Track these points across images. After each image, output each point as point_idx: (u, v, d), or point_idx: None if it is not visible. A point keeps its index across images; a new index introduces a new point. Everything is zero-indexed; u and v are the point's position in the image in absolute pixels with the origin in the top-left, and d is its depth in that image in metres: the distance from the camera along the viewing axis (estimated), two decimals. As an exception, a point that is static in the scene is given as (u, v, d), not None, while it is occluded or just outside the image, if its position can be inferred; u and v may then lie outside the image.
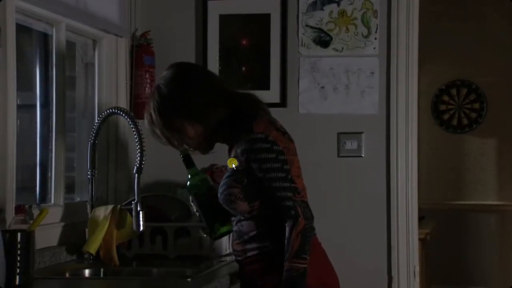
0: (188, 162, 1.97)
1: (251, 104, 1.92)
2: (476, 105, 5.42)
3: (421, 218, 4.08)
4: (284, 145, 1.85)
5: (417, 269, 2.79)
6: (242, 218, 1.91)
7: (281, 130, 1.89)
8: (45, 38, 2.45)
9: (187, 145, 1.94)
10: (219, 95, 1.91)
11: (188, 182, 1.97)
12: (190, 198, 2.00)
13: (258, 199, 1.85)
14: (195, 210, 2.01)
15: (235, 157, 1.90)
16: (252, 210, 1.87)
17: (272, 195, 1.84)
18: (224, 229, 1.92)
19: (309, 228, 1.82)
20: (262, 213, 1.86)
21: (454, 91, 5.48)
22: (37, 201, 2.40)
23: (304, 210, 1.82)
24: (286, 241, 1.82)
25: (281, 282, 1.79)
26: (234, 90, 1.98)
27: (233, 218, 1.95)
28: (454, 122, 5.46)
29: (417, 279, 2.79)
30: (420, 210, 3.00)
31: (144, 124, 1.99)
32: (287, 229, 1.81)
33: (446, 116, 5.48)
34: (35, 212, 2.09)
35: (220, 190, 1.91)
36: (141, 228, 2.12)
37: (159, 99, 1.91)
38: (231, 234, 1.98)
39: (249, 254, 1.91)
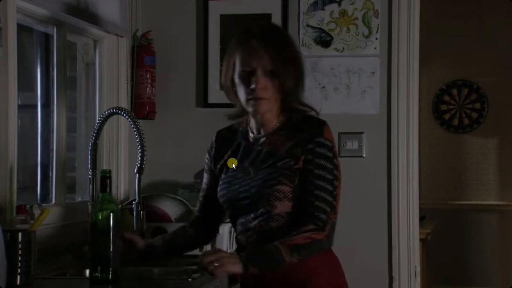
0: (104, 184, 1.87)
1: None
2: (477, 105, 5.42)
3: (422, 218, 4.08)
4: (339, 163, 1.82)
5: (418, 269, 2.79)
6: (269, 219, 1.78)
7: None
8: (46, 38, 2.45)
9: (267, 93, 1.76)
10: None
11: (97, 207, 1.87)
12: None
13: (298, 201, 1.78)
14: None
15: (292, 148, 1.77)
16: (290, 212, 1.77)
17: (309, 201, 1.76)
18: (104, 275, 1.84)
19: (319, 245, 1.74)
20: (296, 215, 1.79)
21: (455, 91, 5.48)
22: (38, 201, 2.40)
23: (330, 231, 1.77)
24: (294, 231, 1.73)
25: (262, 249, 1.71)
26: None
27: (252, 219, 1.80)
28: (455, 122, 5.46)
29: (418, 279, 2.79)
30: (421, 210, 3.00)
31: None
32: (304, 227, 1.73)
33: (447, 116, 5.48)
34: (36, 212, 2.09)
35: (262, 181, 1.77)
36: (142, 228, 2.12)
37: (293, 42, 1.84)
38: (247, 235, 1.81)
39: None
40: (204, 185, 1.96)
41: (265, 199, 1.76)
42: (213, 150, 1.94)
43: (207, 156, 1.95)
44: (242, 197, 1.81)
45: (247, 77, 1.77)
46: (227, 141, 1.91)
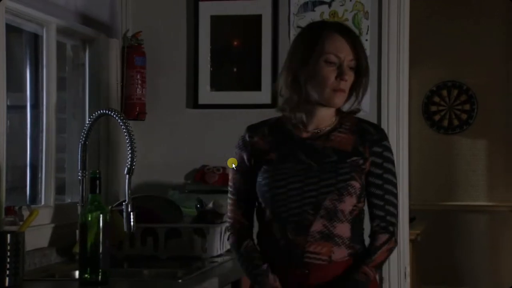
0: (94, 186, 1.88)
1: None
2: (467, 106, 5.45)
3: (412, 219, 4.09)
4: None
5: (408, 269, 2.80)
6: (333, 216, 1.75)
7: None
8: (35, 38, 2.44)
9: (347, 88, 1.76)
10: None
11: (87, 208, 1.87)
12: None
13: (362, 202, 1.80)
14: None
15: (358, 147, 1.78)
16: (352, 211, 1.76)
17: (379, 205, 1.80)
18: (93, 277, 1.84)
19: (392, 251, 1.82)
20: (358, 217, 1.80)
21: (445, 92, 5.50)
22: (28, 202, 2.39)
23: (397, 232, 1.84)
24: (371, 248, 1.78)
25: (351, 278, 1.74)
26: None
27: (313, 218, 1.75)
28: (445, 123, 5.48)
29: (408, 279, 2.80)
30: (411, 211, 3.01)
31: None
32: (380, 240, 1.79)
33: (437, 117, 5.50)
34: (25, 213, 2.08)
35: (335, 174, 1.75)
36: (132, 229, 2.11)
37: None
38: (308, 236, 1.74)
39: (336, 257, 1.76)
40: (241, 187, 1.81)
41: (337, 192, 1.74)
42: (250, 146, 1.81)
43: (241, 154, 1.82)
44: (308, 189, 1.74)
45: (331, 68, 1.74)
46: (266, 136, 1.81)
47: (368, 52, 2.78)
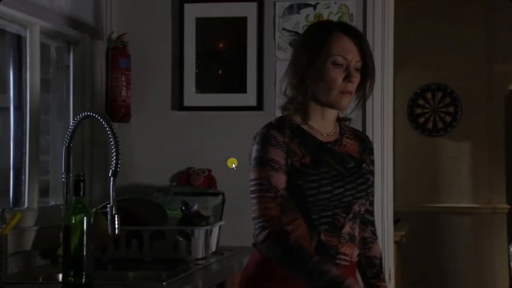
0: (78, 188, 1.87)
1: None
2: (451, 109, 5.49)
3: (396, 221, 4.12)
4: None
5: (393, 271, 2.81)
6: (355, 219, 1.78)
7: None
8: (18, 40, 2.42)
9: (354, 90, 1.76)
10: None
11: (71, 211, 1.87)
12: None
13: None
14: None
15: (362, 153, 1.81)
16: (359, 212, 1.79)
17: (370, 211, 1.87)
18: (77, 279, 1.83)
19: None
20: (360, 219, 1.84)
21: (429, 95, 5.54)
22: (11, 204, 2.37)
23: None
24: (376, 262, 1.86)
25: None
26: None
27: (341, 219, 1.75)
28: (429, 125, 5.52)
29: (393, 281, 2.81)
30: (395, 213, 3.02)
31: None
32: (378, 251, 1.87)
33: (421, 120, 5.54)
34: (8, 216, 2.06)
35: (364, 180, 1.78)
36: (117, 231, 2.10)
37: None
38: (340, 236, 1.74)
39: (354, 258, 1.79)
40: (280, 185, 1.70)
41: (366, 197, 1.79)
42: (285, 146, 1.73)
43: (278, 152, 1.71)
44: (348, 194, 1.74)
45: (338, 69, 1.73)
46: (291, 137, 1.75)
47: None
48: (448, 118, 5.49)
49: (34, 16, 2.34)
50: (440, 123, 5.50)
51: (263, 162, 1.71)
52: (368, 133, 2.78)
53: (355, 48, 1.74)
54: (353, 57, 1.74)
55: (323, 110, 1.77)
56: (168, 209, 2.57)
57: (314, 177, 1.72)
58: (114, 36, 2.82)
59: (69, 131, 2.25)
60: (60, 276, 2.07)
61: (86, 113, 2.21)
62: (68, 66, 2.70)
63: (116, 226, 2.09)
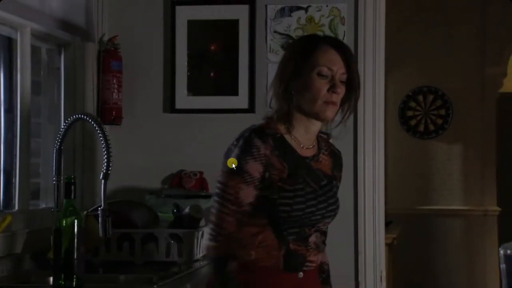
0: (69, 191, 1.87)
1: None
2: (442, 111, 5.51)
3: (388, 223, 4.12)
4: None
5: (384, 273, 2.82)
6: (320, 229, 1.83)
7: None
8: (9, 42, 2.41)
9: (338, 98, 1.76)
10: None
11: (62, 213, 1.87)
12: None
13: None
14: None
15: (333, 169, 1.85)
16: (322, 228, 1.85)
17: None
18: (68, 283, 1.83)
19: None
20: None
21: (420, 98, 5.56)
22: (1, 207, 2.36)
23: None
24: (324, 265, 1.92)
25: None
26: None
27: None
28: (421, 128, 5.53)
29: (384, 283, 2.82)
30: (387, 215, 3.03)
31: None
32: (325, 253, 1.91)
33: (413, 122, 5.55)
34: (-1, 219, 2.05)
35: (335, 200, 1.83)
36: (108, 234, 2.10)
37: None
38: (308, 246, 1.79)
39: (318, 263, 1.86)
40: (245, 200, 1.71)
41: (333, 217, 1.84)
42: (264, 159, 1.72)
43: (255, 166, 1.71)
44: (318, 213, 1.78)
45: (323, 80, 1.75)
46: (273, 148, 1.74)
47: (344, 58, 2.81)
48: (440, 121, 5.50)
49: (25, 18, 2.34)
50: (431, 125, 5.52)
51: (237, 172, 1.71)
52: (360, 135, 2.79)
53: (341, 60, 1.77)
54: (339, 69, 1.77)
55: (308, 122, 1.79)
56: (160, 212, 2.57)
57: (289, 194, 1.74)
58: (106, 38, 2.82)
59: (60, 134, 2.24)
60: (51, 279, 2.06)
61: (77, 115, 2.20)
62: (59, 69, 2.69)
63: (108, 229, 2.09)
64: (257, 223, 1.74)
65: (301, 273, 1.78)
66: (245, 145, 1.72)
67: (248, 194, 1.71)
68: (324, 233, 1.88)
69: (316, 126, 1.80)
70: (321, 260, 1.89)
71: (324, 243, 1.89)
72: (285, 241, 1.75)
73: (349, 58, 1.79)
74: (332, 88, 1.75)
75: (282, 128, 1.78)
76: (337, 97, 1.76)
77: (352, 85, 1.79)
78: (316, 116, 1.77)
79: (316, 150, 1.82)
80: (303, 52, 1.77)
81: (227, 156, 1.75)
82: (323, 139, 1.86)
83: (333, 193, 1.83)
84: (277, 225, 1.75)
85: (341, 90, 1.77)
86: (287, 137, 1.77)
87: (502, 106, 5.75)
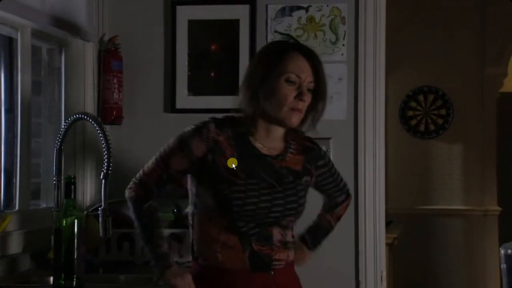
0: (69, 191, 1.88)
1: None
2: (443, 111, 5.51)
3: (388, 223, 4.12)
4: None
5: (384, 273, 2.81)
6: (286, 228, 1.85)
7: None
8: (10, 42, 2.41)
9: (304, 108, 1.80)
10: None
11: (62, 213, 1.87)
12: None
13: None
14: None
15: (305, 164, 1.86)
16: (287, 225, 1.86)
17: (335, 185, 2.00)
18: (68, 282, 1.84)
19: (348, 206, 2.08)
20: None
21: (421, 97, 5.56)
22: (1, 207, 2.36)
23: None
24: (332, 203, 2.02)
25: (312, 226, 2.00)
26: None
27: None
28: (421, 127, 5.53)
29: (384, 283, 2.82)
30: (387, 215, 3.03)
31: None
32: (340, 198, 2.03)
33: (413, 122, 5.55)
34: (-1, 218, 2.05)
35: (296, 198, 1.83)
36: (108, 234, 2.10)
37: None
38: (271, 245, 1.81)
39: (290, 259, 1.87)
40: (175, 167, 1.79)
41: (295, 215, 1.84)
42: (212, 142, 1.78)
43: (198, 144, 1.78)
44: (275, 210, 1.80)
45: (291, 87, 1.78)
46: (230, 139, 1.80)
47: (345, 57, 2.81)
48: (440, 121, 5.50)
49: (25, 18, 2.34)
50: (432, 125, 5.52)
51: (180, 141, 1.80)
52: (360, 135, 2.79)
53: (309, 68, 1.79)
54: (306, 77, 1.79)
55: (270, 127, 1.82)
56: (160, 212, 2.56)
57: (241, 188, 1.77)
58: (106, 38, 2.82)
59: (60, 134, 2.24)
60: (51, 279, 2.06)
61: (77, 115, 2.20)
62: (59, 68, 2.69)
63: (108, 229, 2.09)
64: (216, 223, 1.78)
65: (272, 272, 1.80)
66: (199, 125, 1.81)
67: (180, 162, 1.79)
68: (291, 227, 1.87)
69: (279, 131, 1.83)
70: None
71: (292, 236, 1.89)
72: (248, 241, 1.78)
73: (318, 67, 1.81)
74: (299, 96, 1.78)
75: (245, 129, 1.82)
76: (303, 105, 1.79)
77: (319, 94, 1.81)
78: (281, 122, 1.80)
79: (282, 150, 1.84)
80: (272, 58, 1.80)
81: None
82: (296, 135, 1.87)
83: (297, 190, 1.83)
84: (235, 223, 1.76)
85: (308, 98, 1.80)
86: (250, 137, 1.82)
87: (502, 106, 5.74)
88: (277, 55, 1.79)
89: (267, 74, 1.78)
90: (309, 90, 1.79)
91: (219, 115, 2.83)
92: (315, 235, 2.00)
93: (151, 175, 1.83)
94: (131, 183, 1.87)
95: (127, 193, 1.86)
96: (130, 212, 1.86)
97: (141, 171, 1.86)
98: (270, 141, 1.83)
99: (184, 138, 1.80)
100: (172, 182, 1.84)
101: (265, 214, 1.78)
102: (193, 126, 1.83)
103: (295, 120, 1.79)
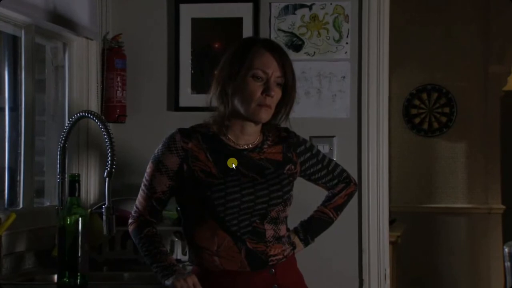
0: (73, 189, 1.89)
1: None
2: (446, 109, 5.50)
3: (392, 221, 4.12)
4: None
5: (388, 272, 2.81)
6: (278, 221, 1.84)
7: None
8: (14, 40, 2.42)
9: (274, 104, 1.81)
10: None
11: (66, 211, 1.88)
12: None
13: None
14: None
15: (285, 154, 1.87)
16: (277, 217, 1.85)
17: (328, 172, 1.97)
18: (72, 280, 1.84)
19: (353, 196, 2.03)
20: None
21: (425, 95, 5.55)
22: (6, 205, 2.36)
23: (352, 178, 2.03)
24: (330, 194, 1.99)
25: (305, 219, 1.96)
26: None
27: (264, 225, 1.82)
28: (425, 126, 5.53)
29: (388, 282, 2.82)
30: (391, 213, 3.03)
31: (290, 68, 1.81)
32: (337, 188, 2.00)
33: (417, 120, 5.54)
34: (3, 216, 2.06)
35: (280, 186, 1.83)
36: (112, 232, 2.10)
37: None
38: (266, 241, 1.81)
39: (289, 252, 1.87)
40: (158, 188, 1.82)
41: (283, 204, 1.83)
42: (182, 152, 1.81)
43: (171, 157, 1.81)
44: (259, 202, 1.80)
45: (258, 83, 1.79)
46: (201, 143, 1.82)
47: (348, 55, 2.81)
48: (444, 119, 5.49)
49: (29, 16, 2.34)
50: (435, 123, 5.51)
51: (155, 163, 1.83)
52: (364, 133, 2.79)
53: (276, 63, 1.80)
54: (274, 72, 1.80)
55: (243, 124, 1.83)
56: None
57: (221, 186, 1.78)
58: (110, 36, 2.82)
59: (64, 132, 2.25)
60: (55, 277, 2.06)
61: (81, 113, 2.21)
62: (63, 67, 2.69)
63: (112, 227, 2.09)
64: (208, 228, 1.79)
65: (272, 269, 1.81)
66: (166, 140, 1.85)
67: (161, 182, 1.82)
68: (284, 221, 1.86)
69: (252, 127, 1.84)
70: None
71: (287, 230, 1.88)
72: (241, 241, 1.79)
73: (285, 61, 1.81)
74: (266, 91, 1.78)
75: (216, 128, 1.83)
76: (271, 100, 1.80)
77: (288, 87, 1.82)
78: (250, 118, 1.81)
79: (259, 143, 1.85)
80: (239, 55, 1.81)
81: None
82: (271, 127, 1.87)
83: (280, 179, 1.83)
84: (224, 223, 1.77)
85: (276, 93, 1.80)
86: (222, 136, 1.83)
87: (506, 104, 5.73)
88: (243, 52, 1.81)
89: (234, 72, 1.79)
90: (278, 84, 1.80)
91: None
92: (308, 227, 1.96)
93: (143, 207, 1.85)
94: (129, 219, 1.88)
95: (129, 229, 1.88)
96: (135, 242, 1.88)
97: (134, 206, 1.88)
98: (244, 137, 1.83)
99: (156, 158, 1.83)
100: (165, 205, 1.86)
101: (250, 207, 1.78)
102: (162, 141, 1.86)
103: (264, 115, 1.80)
